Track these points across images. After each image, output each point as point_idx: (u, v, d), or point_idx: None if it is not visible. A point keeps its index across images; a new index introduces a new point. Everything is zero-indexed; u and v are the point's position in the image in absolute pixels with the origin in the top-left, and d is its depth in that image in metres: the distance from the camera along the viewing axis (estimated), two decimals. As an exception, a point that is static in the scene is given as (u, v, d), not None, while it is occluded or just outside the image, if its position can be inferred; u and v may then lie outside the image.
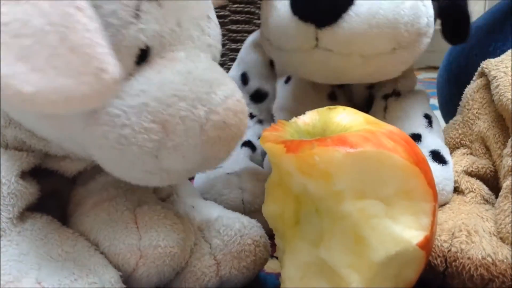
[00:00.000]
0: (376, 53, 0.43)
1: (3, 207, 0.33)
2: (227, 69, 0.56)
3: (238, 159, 0.54)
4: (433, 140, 0.49)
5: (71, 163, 0.37)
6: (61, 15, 0.26)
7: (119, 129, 0.30)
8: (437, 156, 0.46)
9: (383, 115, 0.52)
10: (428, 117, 0.51)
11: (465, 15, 0.49)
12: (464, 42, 0.52)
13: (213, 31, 0.36)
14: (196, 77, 0.32)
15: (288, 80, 0.56)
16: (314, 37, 0.42)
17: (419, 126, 0.50)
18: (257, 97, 0.61)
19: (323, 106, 0.52)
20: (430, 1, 0.45)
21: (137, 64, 0.31)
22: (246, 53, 0.62)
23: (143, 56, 0.31)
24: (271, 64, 0.60)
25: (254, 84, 0.61)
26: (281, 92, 0.56)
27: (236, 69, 0.63)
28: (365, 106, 0.56)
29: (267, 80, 0.61)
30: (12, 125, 0.35)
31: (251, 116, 0.61)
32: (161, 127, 0.30)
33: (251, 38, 0.63)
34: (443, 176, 0.45)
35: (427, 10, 0.44)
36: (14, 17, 0.26)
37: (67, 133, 0.33)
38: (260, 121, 0.62)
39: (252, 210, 0.48)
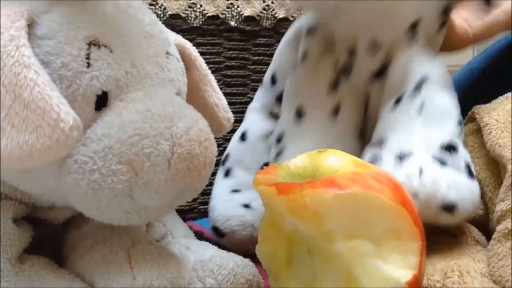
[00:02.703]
0: None
1: (1, 247, 0.34)
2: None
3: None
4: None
5: (57, 211, 0.38)
6: (10, 75, 0.28)
7: (89, 175, 0.31)
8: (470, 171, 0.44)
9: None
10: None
11: None
12: None
13: (174, 66, 0.37)
14: (155, 113, 0.32)
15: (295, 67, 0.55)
16: None
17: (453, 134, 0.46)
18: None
19: (324, 95, 0.52)
20: None
21: (97, 110, 0.32)
22: (279, 53, 0.62)
23: (102, 102, 0.32)
24: None
25: (281, 85, 0.60)
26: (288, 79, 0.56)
27: (268, 71, 0.63)
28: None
29: None
30: None
31: (276, 117, 0.60)
32: (128, 167, 0.31)
33: (285, 38, 0.62)
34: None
35: None
36: None
37: (44, 186, 0.34)
38: None
39: None
